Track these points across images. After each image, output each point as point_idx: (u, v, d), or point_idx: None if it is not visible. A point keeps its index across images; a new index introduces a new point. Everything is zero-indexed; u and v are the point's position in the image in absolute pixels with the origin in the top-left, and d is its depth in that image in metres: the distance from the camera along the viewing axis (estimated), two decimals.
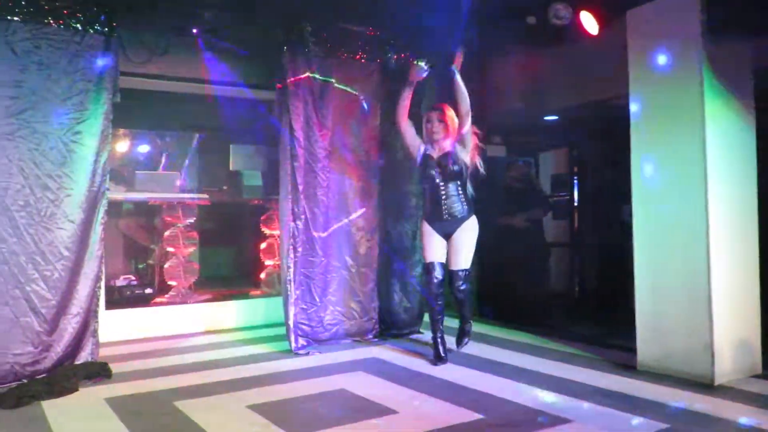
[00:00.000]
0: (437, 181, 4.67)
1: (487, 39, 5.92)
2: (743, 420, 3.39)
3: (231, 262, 8.21)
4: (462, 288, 4.72)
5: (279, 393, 4.04)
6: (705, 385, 3.98)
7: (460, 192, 4.68)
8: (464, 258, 4.71)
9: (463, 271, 4.71)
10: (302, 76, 5.29)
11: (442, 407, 3.70)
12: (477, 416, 3.51)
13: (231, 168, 7.08)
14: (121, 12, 4.67)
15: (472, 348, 5.20)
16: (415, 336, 5.77)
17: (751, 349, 4.28)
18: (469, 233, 4.71)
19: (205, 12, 5.16)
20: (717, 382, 4.01)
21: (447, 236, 4.72)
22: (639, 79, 4.51)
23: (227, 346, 5.39)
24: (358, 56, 5.65)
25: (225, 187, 7.37)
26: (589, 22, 4.87)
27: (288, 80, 5.21)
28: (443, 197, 4.66)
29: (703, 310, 4.06)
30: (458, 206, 4.67)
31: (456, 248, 4.69)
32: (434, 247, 4.72)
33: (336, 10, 5.37)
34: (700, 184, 4.10)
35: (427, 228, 4.75)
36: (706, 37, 4.11)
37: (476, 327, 6.12)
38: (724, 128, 4.21)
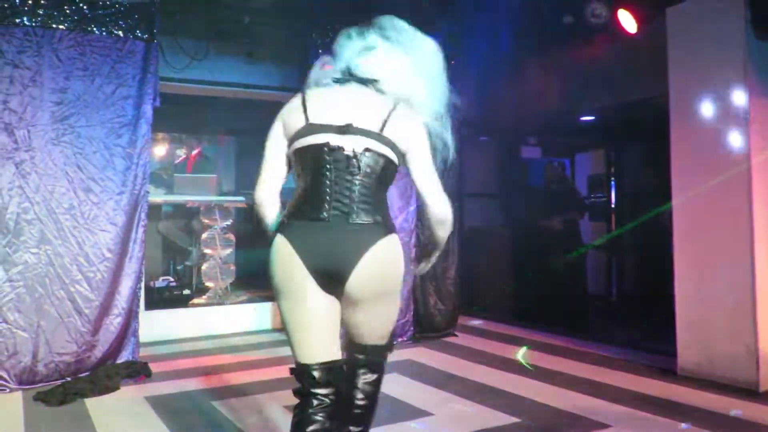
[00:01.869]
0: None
1: (523, 38, 5.88)
2: None
3: (267, 264, 8.28)
4: (369, 381, 2.19)
5: None
6: (750, 392, 3.87)
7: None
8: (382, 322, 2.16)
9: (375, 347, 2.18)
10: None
11: (478, 410, 3.68)
12: (513, 420, 3.48)
13: None
14: (161, 19, 4.77)
15: (507, 351, 5.16)
16: (449, 339, 5.75)
17: None
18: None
19: (243, 16, 5.25)
20: (762, 389, 3.90)
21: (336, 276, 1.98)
22: (679, 79, 4.42)
23: (264, 347, 5.44)
24: None
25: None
26: (627, 21, 4.80)
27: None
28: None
29: (748, 315, 3.95)
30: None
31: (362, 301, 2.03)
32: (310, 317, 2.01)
33: (368, 12, 5.39)
34: (744, 185, 3.99)
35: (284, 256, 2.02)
36: (750, 34, 4.01)
37: (513, 330, 6.06)
38: (767, 128, 4.10)
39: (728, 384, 4.00)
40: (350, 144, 2.01)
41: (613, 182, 8.23)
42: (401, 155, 2.13)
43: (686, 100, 4.37)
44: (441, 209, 2.20)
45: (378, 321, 2.12)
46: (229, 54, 5.63)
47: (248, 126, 7.24)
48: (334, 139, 2.01)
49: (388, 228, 2.03)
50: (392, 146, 2.09)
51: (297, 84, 5.90)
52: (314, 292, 1.96)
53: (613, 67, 5.95)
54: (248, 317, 6.18)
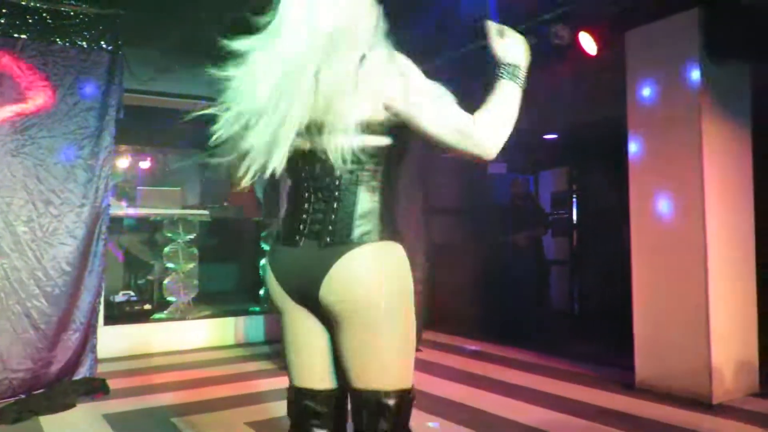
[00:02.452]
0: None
1: (488, 57, 5.98)
2: None
3: (231, 278, 8.22)
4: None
5: (277, 410, 4.03)
6: (704, 404, 3.97)
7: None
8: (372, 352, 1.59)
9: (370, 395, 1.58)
10: None
11: (442, 425, 3.70)
12: None
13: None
14: (127, 30, 4.73)
15: (472, 365, 5.20)
16: (416, 353, 5.75)
17: (749, 367, 4.28)
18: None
19: (209, 30, 5.23)
20: (716, 401, 4.01)
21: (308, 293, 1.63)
22: (637, 101, 4.56)
23: (226, 363, 5.38)
24: None
25: (226, 203, 7.40)
26: (588, 43, 4.93)
27: None
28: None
29: (702, 330, 4.06)
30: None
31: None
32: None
33: None
34: (698, 204, 4.13)
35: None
36: (705, 58, 4.17)
37: (478, 345, 6.13)
38: (721, 149, 4.25)
39: (684, 397, 4.10)
40: (321, 145, 1.51)
41: (575, 199, 8.40)
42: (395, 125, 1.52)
43: (643, 121, 4.51)
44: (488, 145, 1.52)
45: (366, 350, 1.55)
46: (197, 67, 5.59)
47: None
48: (303, 144, 1.55)
49: (379, 234, 1.56)
50: (373, 126, 1.50)
51: None
52: (294, 311, 1.67)
53: (576, 88, 6.10)
54: (211, 333, 6.11)
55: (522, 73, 1.61)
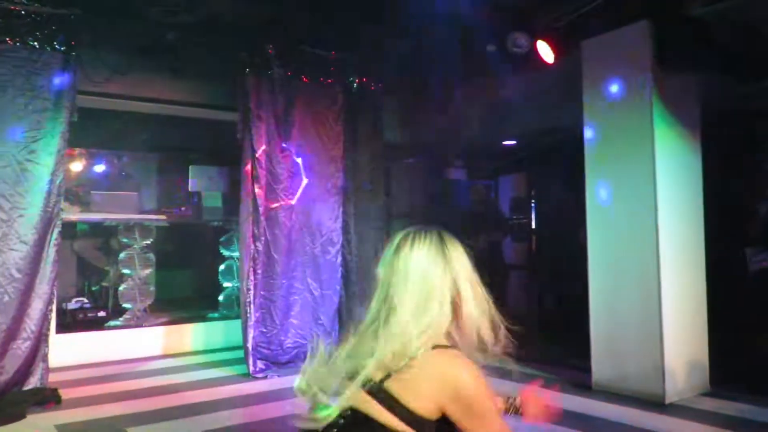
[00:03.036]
0: None
1: (450, 65, 6.05)
2: None
3: (189, 284, 8.08)
4: None
5: (236, 418, 3.98)
6: (657, 404, 4.08)
7: None
8: None
9: None
10: (265, 97, 5.31)
11: None
12: None
13: (190, 189, 7.01)
14: (81, 31, 4.62)
15: None
16: None
17: (700, 368, 4.42)
18: None
19: (168, 33, 5.15)
20: (668, 401, 4.12)
21: None
22: (593, 107, 4.67)
23: (183, 370, 5.28)
24: (321, 79, 5.71)
25: (183, 208, 7.28)
26: (545, 52, 5.03)
27: (251, 102, 5.22)
28: None
29: (655, 332, 4.17)
30: None
31: None
32: None
33: (300, 33, 5.44)
34: (651, 209, 4.24)
35: None
36: (656, 68, 4.29)
37: None
38: (673, 155, 4.38)
39: (638, 397, 4.20)
40: None
41: (533, 204, 8.53)
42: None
43: (599, 127, 4.61)
44: None
45: None
46: (153, 69, 5.50)
47: (172, 143, 7.07)
48: None
49: None
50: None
51: (226, 102, 5.89)
52: None
53: (535, 95, 6.21)
54: (168, 340, 5.98)
55: None
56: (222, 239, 6.79)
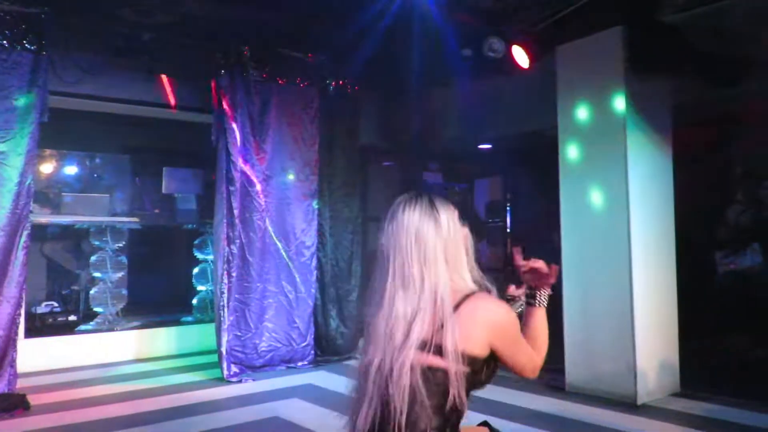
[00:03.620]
0: None
1: (427, 69, 6.08)
2: None
3: (162, 287, 7.97)
4: None
5: (210, 422, 3.93)
6: (629, 405, 4.13)
7: None
8: None
9: None
10: (241, 99, 5.27)
11: None
12: None
13: (164, 191, 6.92)
14: (53, 30, 4.54)
15: None
16: (351, 362, 5.74)
17: (671, 369, 4.49)
18: None
19: (142, 33, 5.09)
20: (640, 402, 4.18)
21: None
22: (567, 112, 4.72)
23: (156, 375, 5.20)
24: (297, 81, 5.69)
25: (157, 211, 7.19)
26: (520, 56, 5.07)
27: (226, 104, 5.18)
28: None
29: (627, 334, 4.23)
30: None
31: None
32: None
33: (276, 35, 5.41)
34: (623, 213, 4.30)
35: None
36: (629, 73, 4.36)
37: None
38: (645, 159, 4.45)
39: (611, 398, 4.25)
40: None
41: (509, 208, 8.60)
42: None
43: (573, 131, 4.67)
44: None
45: None
46: (127, 70, 5.43)
47: (145, 144, 6.98)
48: None
49: None
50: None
51: (200, 103, 5.84)
52: None
53: (511, 99, 6.26)
54: (141, 344, 5.90)
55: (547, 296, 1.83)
56: (196, 242, 6.72)
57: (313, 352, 5.65)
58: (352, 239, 5.93)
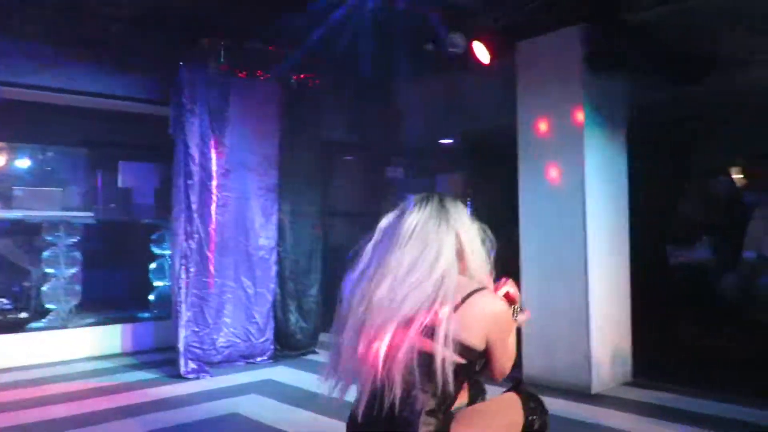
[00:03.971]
0: None
1: (390, 64, 6.08)
2: (615, 425, 3.63)
3: (118, 283, 7.80)
4: None
5: (168, 419, 3.87)
6: (584, 394, 4.22)
7: None
8: None
9: None
10: (200, 92, 5.18)
11: (339, 427, 3.68)
12: None
13: (120, 185, 6.78)
14: (4, 19, 4.39)
15: None
16: (311, 356, 5.72)
17: (624, 359, 4.60)
18: None
19: (98, 24, 4.97)
20: (594, 391, 4.27)
21: None
22: (526, 107, 4.78)
23: (112, 373, 5.10)
24: (258, 74, 5.62)
25: (113, 205, 7.04)
26: (481, 52, 5.11)
27: (184, 96, 5.08)
28: None
29: (583, 325, 4.32)
30: None
31: None
32: None
33: (237, 28, 5.34)
34: (580, 207, 4.38)
35: None
36: (588, 71, 4.43)
37: None
38: (601, 156, 4.54)
39: (567, 388, 4.33)
40: None
41: (470, 203, 8.67)
42: None
43: (532, 127, 4.73)
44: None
45: None
46: (83, 61, 5.29)
47: (101, 137, 6.81)
48: None
49: None
50: None
51: (159, 96, 5.72)
52: None
53: (473, 95, 6.31)
54: (96, 341, 5.77)
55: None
56: (153, 237, 6.60)
57: (272, 347, 5.61)
58: (312, 234, 5.90)
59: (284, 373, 5.10)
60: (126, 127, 6.67)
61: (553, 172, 4.58)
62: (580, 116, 4.43)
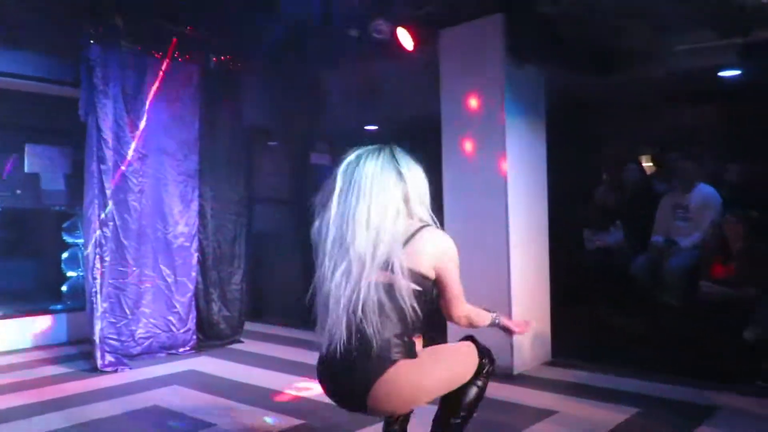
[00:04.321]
0: None
1: (313, 47, 5.99)
2: (537, 404, 3.77)
3: (28, 274, 7.37)
4: None
5: (84, 415, 3.71)
6: (507, 375, 4.35)
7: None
8: None
9: None
10: (113, 73, 4.93)
11: (264, 416, 3.65)
12: (298, 422, 3.51)
13: (26, 170, 6.39)
14: None
15: (295, 354, 5.20)
16: (235, 346, 5.62)
17: (544, 340, 4.78)
18: None
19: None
20: (516, 372, 4.42)
21: None
22: (449, 96, 4.83)
23: (23, 368, 4.84)
24: (176, 55, 5.41)
25: (19, 192, 6.63)
26: (405, 39, 5.12)
27: (96, 77, 4.82)
28: None
29: (505, 308, 4.43)
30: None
31: None
32: None
33: (152, 6, 5.10)
34: (501, 193, 4.48)
35: None
36: (508, 60, 4.52)
37: (302, 334, 6.14)
38: (521, 143, 4.65)
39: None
40: None
41: None
42: None
43: (455, 115, 4.79)
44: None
45: None
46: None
47: (5, 119, 6.37)
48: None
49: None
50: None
51: (68, 77, 5.40)
52: None
53: (397, 82, 6.32)
54: (4, 335, 5.45)
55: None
56: (65, 225, 6.28)
57: (195, 337, 5.47)
58: (235, 221, 5.77)
59: (207, 364, 4.98)
60: (33, 108, 6.29)
61: (476, 161, 4.66)
62: (501, 105, 4.51)
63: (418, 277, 2.08)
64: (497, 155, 4.52)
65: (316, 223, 2.20)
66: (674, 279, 4.98)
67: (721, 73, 5.51)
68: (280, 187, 8.09)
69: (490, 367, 2.41)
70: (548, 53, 4.64)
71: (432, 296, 2.18)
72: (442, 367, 2.25)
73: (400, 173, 2.15)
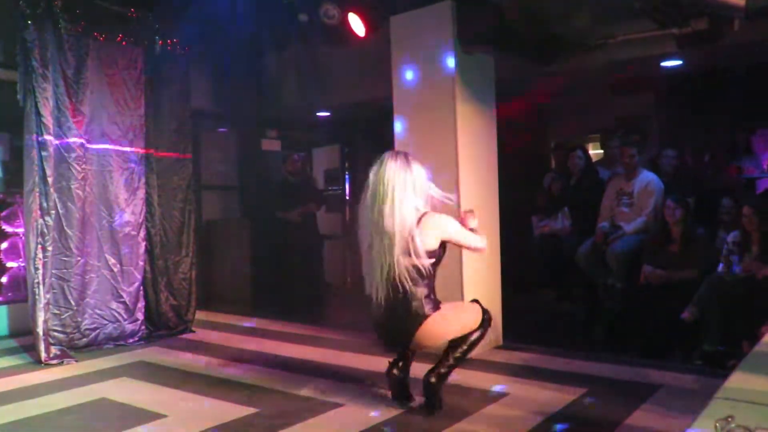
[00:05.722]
0: None
1: (263, 32, 5.89)
2: (489, 387, 3.86)
3: None
4: None
5: (28, 409, 3.59)
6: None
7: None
8: None
9: None
10: (52, 55, 4.73)
11: (215, 405, 3.61)
12: (250, 410, 3.49)
13: None
14: None
15: (245, 343, 5.15)
16: (185, 335, 5.53)
17: (494, 325, 4.85)
18: None
19: None
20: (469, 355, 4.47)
21: None
22: (400, 82, 4.83)
23: None
24: (119, 38, 5.23)
25: None
26: (357, 25, 5.08)
27: (35, 60, 4.62)
28: None
29: (458, 293, 4.49)
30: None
31: None
32: None
33: None
34: (453, 179, 4.52)
35: None
36: (458, 48, 4.55)
37: (252, 321, 6.10)
38: (472, 131, 4.70)
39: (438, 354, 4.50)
40: None
41: (347, 176, 8.72)
42: None
43: (406, 101, 4.80)
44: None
45: None
46: None
47: None
48: None
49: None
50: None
51: (5, 59, 5.14)
52: None
53: (348, 68, 6.28)
54: None
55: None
56: (3, 214, 6.02)
57: (143, 327, 5.35)
58: (183, 209, 5.65)
59: (156, 354, 4.89)
60: None
61: (428, 148, 4.67)
62: (452, 92, 4.54)
63: (431, 252, 3.20)
64: (448, 141, 4.55)
65: (362, 209, 3.30)
66: (618, 263, 5.14)
67: (663, 63, 5.69)
68: (230, 174, 7.97)
69: (489, 319, 3.45)
70: (497, 41, 4.68)
71: (442, 256, 3.29)
72: (460, 317, 3.37)
73: (410, 171, 3.23)
